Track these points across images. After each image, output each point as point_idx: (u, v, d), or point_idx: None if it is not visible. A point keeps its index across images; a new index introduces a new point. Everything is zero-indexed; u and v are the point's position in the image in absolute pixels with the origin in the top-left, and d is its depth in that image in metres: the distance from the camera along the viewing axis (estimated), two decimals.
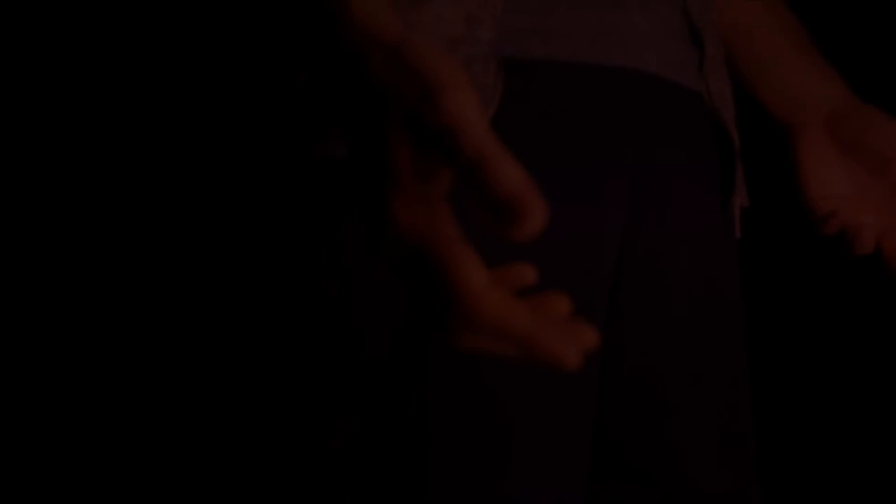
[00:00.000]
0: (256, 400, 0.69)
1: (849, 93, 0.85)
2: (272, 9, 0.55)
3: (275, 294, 0.68)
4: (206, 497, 0.72)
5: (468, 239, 0.43)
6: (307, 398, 0.66)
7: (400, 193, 0.42)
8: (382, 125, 0.42)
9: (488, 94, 0.63)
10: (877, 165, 0.82)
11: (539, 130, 0.66)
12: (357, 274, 0.64)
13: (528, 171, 0.66)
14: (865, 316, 1.31)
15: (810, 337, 1.38)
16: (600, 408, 0.72)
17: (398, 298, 0.64)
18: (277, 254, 0.68)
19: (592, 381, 0.71)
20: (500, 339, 0.40)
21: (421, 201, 0.42)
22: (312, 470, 0.66)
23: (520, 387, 0.66)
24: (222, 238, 0.72)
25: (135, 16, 1.09)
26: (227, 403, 0.72)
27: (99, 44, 1.11)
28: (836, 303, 1.31)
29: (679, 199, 0.75)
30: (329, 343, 0.65)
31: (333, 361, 0.65)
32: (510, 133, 0.64)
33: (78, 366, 1.15)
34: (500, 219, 0.38)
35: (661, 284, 0.75)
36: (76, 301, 1.14)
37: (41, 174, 1.14)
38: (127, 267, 1.12)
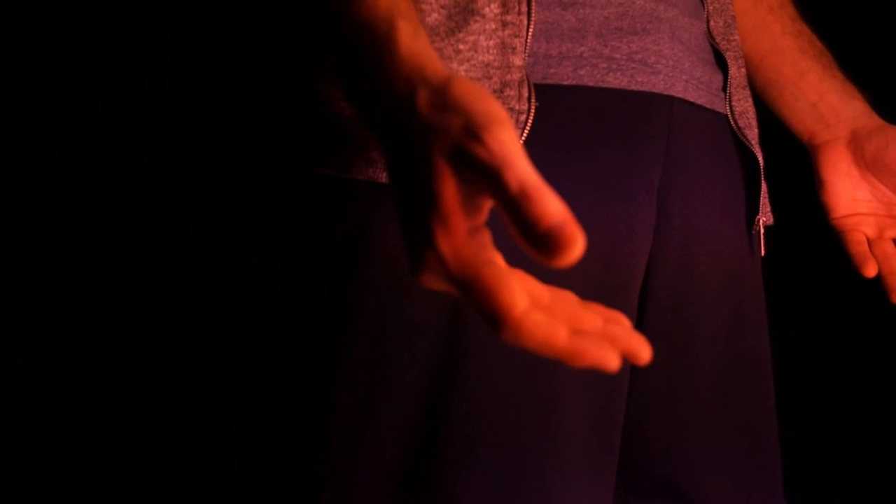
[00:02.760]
0: (298, 401, 0.71)
1: (870, 111, 0.86)
2: (321, 44, 0.57)
3: (318, 301, 0.70)
4: (254, 496, 0.74)
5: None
6: (347, 399, 0.68)
7: (443, 224, 0.43)
8: (428, 159, 0.44)
9: (521, 118, 0.64)
10: None
11: (569, 154, 0.68)
12: (397, 287, 0.66)
13: (559, 193, 0.68)
14: (892, 333, 1.31)
15: (833, 351, 1.38)
16: (627, 422, 0.73)
17: (437, 310, 0.65)
18: (322, 266, 0.70)
19: (621, 397, 0.72)
20: (542, 351, 0.42)
21: (463, 232, 0.43)
22: (350, 468, 0.68)
23: (553, 397, 0.67)
24: (267, 253, 0.73)
25: (187, 42, 1.10)
26: (269, 405, 0.73)
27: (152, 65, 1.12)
28: (861, 319, 1.31)
29: (706, 218, 0.76)
30: (370, 349, 0.67)
31: (373, 366, 0.67)
32: (541, 156, 0.66)
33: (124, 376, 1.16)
34: (541, 249, 0.40)
35: (688, 301, 0.76)
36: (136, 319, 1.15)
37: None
38: (177, 279, 1.13)
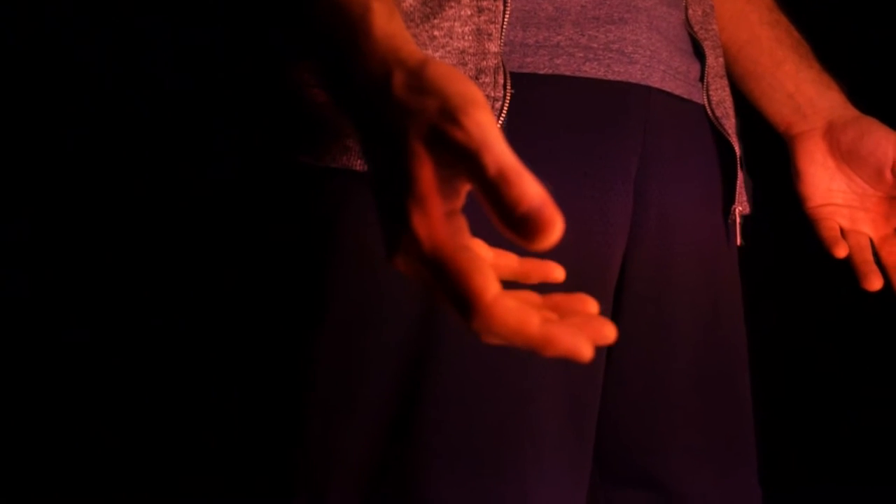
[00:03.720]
0: (270, 395, 0.70)
1: (846, 102, 0.86)
2: (295, 27, 0.56)
3: (292, 290, 0.69)
4: (222, 491, 0.73)
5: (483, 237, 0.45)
6: (321, 393, 0.67)
7: (419, 207, 0.43)
8: (404, 142, 0.43)
9: (496, 105, 0.64)
10: (873, 173, 0.84)
11: (545, 143, 0.67)
12: (371, 275, 0.65)
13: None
14: (866, 322, 1.32)
15: (810, 341, 1.39)
16: (604, 412, 0.73)
17: (410, 298, 0.65)
18: (296, 255, 0.69)
19: (597, 387, 0.72)
20: (514, 341, 0.42)
21: (439, 215, 0.43)
22: (324, 462, 0.67)
23: (528, 386, 0.67)
24: (243, 241, 0.73)
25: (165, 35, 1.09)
26: (242, 399, 0.73)
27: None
28: (837, 308, 1.32)
29: (683, 208, 0.76)
30: (343, 339, 0.67)
31: (347, 356, 0.67)
32: (517, 144, 0.66)
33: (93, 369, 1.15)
34: (519, 232, 0.39)
35: (665, 291, 0.76)
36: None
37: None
38: (159, 269, 1.12)
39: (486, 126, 0.41)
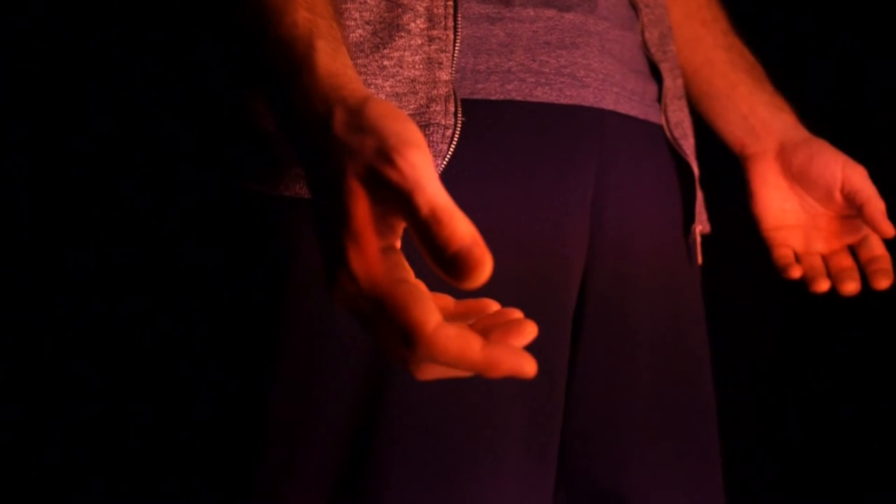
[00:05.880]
0: (230, 417, 0.71)
1: (798, 124, 0.88)
2: (242, 61, 0.57)
3: (249, 316, 0.70)
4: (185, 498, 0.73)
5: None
6: (280, 414, 0.67)
7: (354, 244, 0.44)
8: (342, 180, 0.44)
9: (447, 133, 0.64)
10: (823, 193, 0.86)
11: (500, 168, 0.68)
12: (326, 300, 0.65)
13: (489, 207, 0.68)
14: (827, 339, 1.34)
15: (774, 355, 1.40)
16: (567, 430, 0.74)
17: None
18: (251, 282, 0.70)
19: (558, 407, 0.73)
20: (458, 367, 0.43)
21: (374, 251, 0.44)
22: (282, 483, 0.67)
23: (486, 406, 0.68)
24: (198, 269, 0.73)
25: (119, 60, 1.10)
26: (202, 421, 0.73)
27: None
28: (802, 323, 1.33)
29: (641, 228, 0.77)
30: (300, 364, 0.67)
31: (305, 382, 0.67)
32: (471, 171, 0.67)
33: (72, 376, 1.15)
34: (450, 271, 0.41)
35: (625, 311, 0.76)
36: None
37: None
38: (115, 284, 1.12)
39: (420, 167, 0.42)
